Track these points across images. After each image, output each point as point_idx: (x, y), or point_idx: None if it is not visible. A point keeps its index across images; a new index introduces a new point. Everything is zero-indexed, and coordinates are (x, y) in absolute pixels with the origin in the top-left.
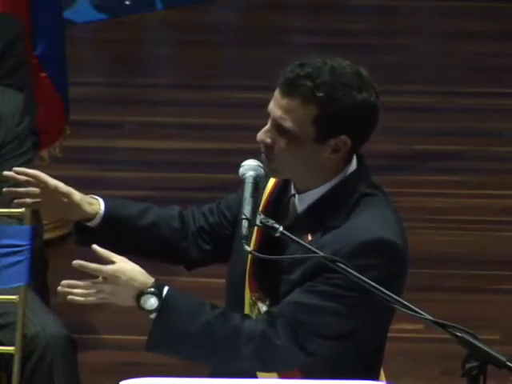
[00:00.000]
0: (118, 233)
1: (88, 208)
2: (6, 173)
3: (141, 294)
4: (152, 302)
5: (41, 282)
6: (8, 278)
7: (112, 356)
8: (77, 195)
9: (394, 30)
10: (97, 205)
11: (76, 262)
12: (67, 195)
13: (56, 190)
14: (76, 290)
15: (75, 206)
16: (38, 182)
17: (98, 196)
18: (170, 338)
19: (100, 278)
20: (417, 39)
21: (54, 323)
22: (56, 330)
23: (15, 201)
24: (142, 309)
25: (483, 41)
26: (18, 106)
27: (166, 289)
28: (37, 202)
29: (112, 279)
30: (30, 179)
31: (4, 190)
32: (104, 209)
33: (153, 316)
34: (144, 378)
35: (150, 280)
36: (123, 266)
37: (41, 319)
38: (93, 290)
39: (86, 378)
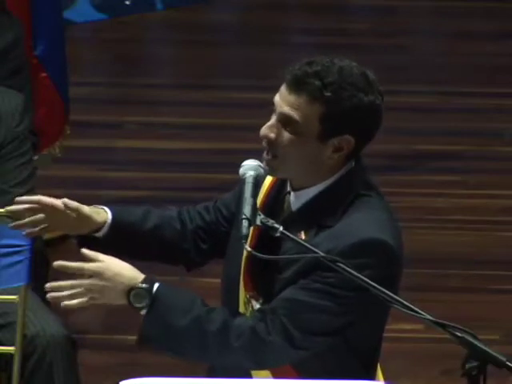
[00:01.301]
0: (122, 239)
1: (98, 218)
2: (8, 208)
3: (131, 289)
4: (142, 298)
5: (41, 282)
6: (8, 278)
7: (112, 356)
8: (85, 208)
9: (394, 29)
10: (103, 214)
11: (56, 264)
12: (76, 210)
13: (65, 207)
14: (63, 293)
15: (86, 218)
16: (42, 207)
17: (100, 198)
18: (161, 333)
19: (86, 277)
20: (417, 39)
21: (54, 323)
22: (56, 330)
23: (24, 233)
24: (132, 305)
25: (483, 41)
26: (18, 107)
27: (156, 284)
28: (45, 227)
29: (97, 275)
30: (33, 206)
31: (10, 225)
32: (111, 217)
33: (143, 312)
34: (144, 378)
35: (140, 276)
36: (108, 262)
37: (41, 319)
38: (80, 290)
39: (86, 378)
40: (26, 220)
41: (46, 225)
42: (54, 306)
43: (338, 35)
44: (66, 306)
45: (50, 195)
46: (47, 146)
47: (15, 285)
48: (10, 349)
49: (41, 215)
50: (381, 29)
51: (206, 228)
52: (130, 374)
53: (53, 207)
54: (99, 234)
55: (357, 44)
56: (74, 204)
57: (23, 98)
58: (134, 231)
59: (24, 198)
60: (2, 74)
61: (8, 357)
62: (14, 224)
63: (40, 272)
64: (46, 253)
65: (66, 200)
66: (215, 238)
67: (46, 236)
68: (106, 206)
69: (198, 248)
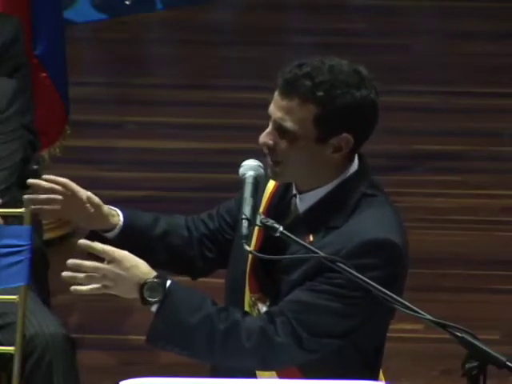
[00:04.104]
0: (131, 243)
1: (112, 220)
2: (30, 181)
3: (144, 283)
4: (155, 292)
5: (41, 282)
6: (8, 277)
7: (112, 356)
8: (105, 207)
9: (394, 29)
10: (116, 216)
11: (82, 242)
12: (97, 206)
13: (88, 201)
14: (80, 274)
15: (102, 217)
16: (65, 191)
17: (100, 198)
18: (171, 329)
19: (105, 263)
20: (417, 39)
21: (53, 323)
22: (55, 330)
23: (32, 207)
24: (144, 299)
25: (483, 41)
26: (6, 92)
27: (169, 281)
28: (55, 209)
29: (116, 263)
30: (55, 186)
31: (24, 197)
32: (123, 220)
33: (154, 308)
34: (144, 378)
35: (154, 272)
36: (127, 253)
37: (40, 319)
38: (97, 274)
39: (86, 377)
40: (43, 196)
41: (58, 207)
42: (53, 307)
43: (338, 35)
44: (76, 290)
45: None
46: (47, 146)
47: (15, 285)
48: (10, 349)
49: (59, 196)
50: (381, 29)
51: (210, 236)
52: (129, 374)
53: (75, 195)
54: (109, 235)
55: (357, 44)
56: (96, 200)
57: (14, 84)
58: (143, 236)
59: (51, 176)
60: (2, 73)
61: (8, 357)
62: (28, 197)
63: (40, 272)
64: (45, 253)
65: (90, 194)
66: (220, 246)
67: (46, 236)
68: (121, 208)
69: (204, 256)
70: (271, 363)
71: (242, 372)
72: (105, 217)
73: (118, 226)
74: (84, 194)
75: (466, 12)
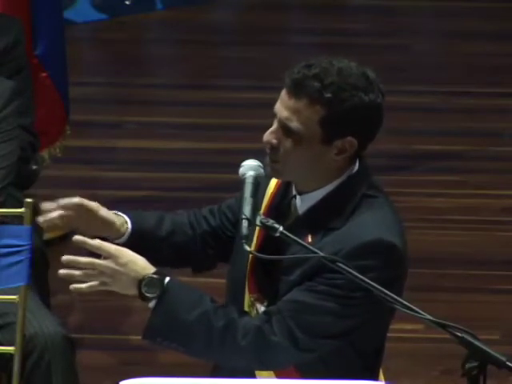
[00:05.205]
0: (139, 245)
1: (122, 229)
2: (45, 206)
3: (142, 279)
4: (154, 288)
5: (41, 282)
6: (8, 277)
7: (112, 356)
8: (117, 222)
9: (394, 29)
10: (125, 224)
11: (76, 238)
12: (110, 224)
13: (101, 220)
14: (77, 272)
15: (114, 230)
16: (79, 208)
17: (100, 198)
18: (168, 325)
19: (102, 258)
20: (417, 39)
21: (52, 323)
22: (54, 330)
23: (45, 225)
24: (142, 295)
25: (483, 41)
26: (4, 93)
27: (167, 277)
28: (67, 224)
29: (113, 258)
30: (68, 212)
31: (38, 219)
32: (131, 226)
33: (152, 304)
34: (144, 378)
35: (152, 268)
36: (124, 249)
37: (39, 319)
38: (93, 272)
39: (86, 378)
40: (54, 214)
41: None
42: (53, 307)
43: (338, 35)
44: (76, 289)
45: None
46: (47, 146)
47: (15, 285)
48: (10, 349)
49: (70, 213)
50: (381, 29)
51: (212, 233)
52: (129, 374)
53: (90, 211)
54: (119, 242)
55: (357, 44)
56: (111, 218)
57: (12, 85)
58: (149, 238)
59: (66, 200)
60: (3, 75)
61: (8, 357)
62: (42, 219)
63: (40, 272)
64: (45, 253)
65: (104, 214)
66: (222, 243)
67: (46, 236)
68: (127, 213)
69: (206, 253)
70: (267, 362)
71: (243, 372)
72: (116, 229)
73: (126, 233)
74: (100, 214)
75: (466, 12)
